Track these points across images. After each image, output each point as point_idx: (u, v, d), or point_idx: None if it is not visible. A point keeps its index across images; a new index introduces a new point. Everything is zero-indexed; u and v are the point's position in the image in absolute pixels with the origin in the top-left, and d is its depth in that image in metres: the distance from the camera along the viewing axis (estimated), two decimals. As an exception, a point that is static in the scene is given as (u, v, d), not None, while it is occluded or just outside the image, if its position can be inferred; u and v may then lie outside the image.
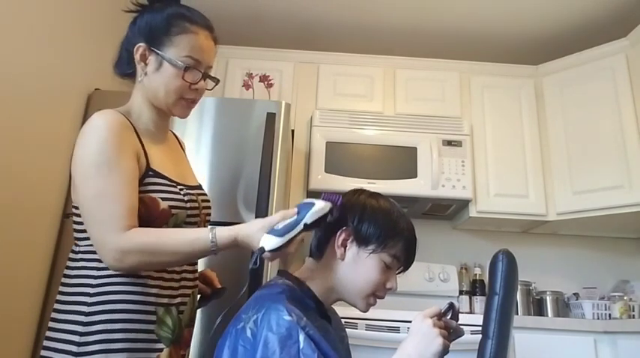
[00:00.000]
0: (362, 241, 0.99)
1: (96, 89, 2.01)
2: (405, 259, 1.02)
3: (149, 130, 1.07)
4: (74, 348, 0.90)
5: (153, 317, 0.96)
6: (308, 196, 2.37)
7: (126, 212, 0.91)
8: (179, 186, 1.04)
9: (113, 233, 0.89)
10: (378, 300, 1.04)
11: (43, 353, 0.94)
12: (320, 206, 0.94)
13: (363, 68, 2.64)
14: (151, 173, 0.99)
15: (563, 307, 2.39)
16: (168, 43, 1.03)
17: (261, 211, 1.75)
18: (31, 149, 1.64)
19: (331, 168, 2.35)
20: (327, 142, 2.39)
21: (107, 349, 0.90)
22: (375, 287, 1.00)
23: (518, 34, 2.70)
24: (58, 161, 1.82)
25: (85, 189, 0.94)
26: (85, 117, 1.96)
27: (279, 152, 1.88)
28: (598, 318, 2.20)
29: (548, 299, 2.37)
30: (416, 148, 2.40)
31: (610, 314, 2.20)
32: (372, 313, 1.96)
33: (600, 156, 2.30)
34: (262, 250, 0.90)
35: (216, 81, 1.12)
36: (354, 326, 1.89)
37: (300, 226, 0.92)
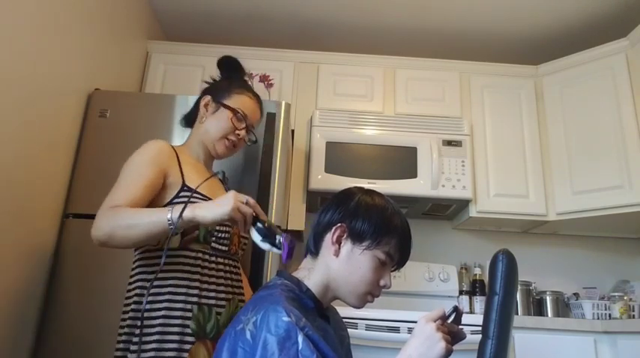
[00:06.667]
0: (356, 238, 1.00)
1: (96, 89, 2.01)
2: (399, 256, 1.03)
3: (193, 160, 1.36)
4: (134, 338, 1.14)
5: (189, 314, 1.18)
6: (308, 196, 2.37)
7: (123, 201, 1.13)
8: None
9: (106, 207, 1.13)
10: (375, 300, 1.03)
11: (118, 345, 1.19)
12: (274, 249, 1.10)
13: (363, 68, 2.64)
14: (185, 188, 1.24)
15: (563, 307, 2.39)
16: (227, 97, 1.39)
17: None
18: (31, 149, 1.64)
19: (331, 168, 2.35)
20: (327, 142, 2.39)
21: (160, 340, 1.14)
22: (368, 284, 1.00)
23: (518, 34, 2.70)
24: (58, 161, 1.82)
25: (119, 177, 1.22)
26: (85, 117, 1.96)
27: (279, 152, 1.87)
28: (598, 318, 2.20)
29: (548, 299, 2.37)
30: (416, 148, 2.40)
31: (610, 314, 2.20)
32: (372, 313, 1.97)
33: (600, 156, 2.30)
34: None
35: (255, 140, 1.43)
36: (354, 326, 1.89)
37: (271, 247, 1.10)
